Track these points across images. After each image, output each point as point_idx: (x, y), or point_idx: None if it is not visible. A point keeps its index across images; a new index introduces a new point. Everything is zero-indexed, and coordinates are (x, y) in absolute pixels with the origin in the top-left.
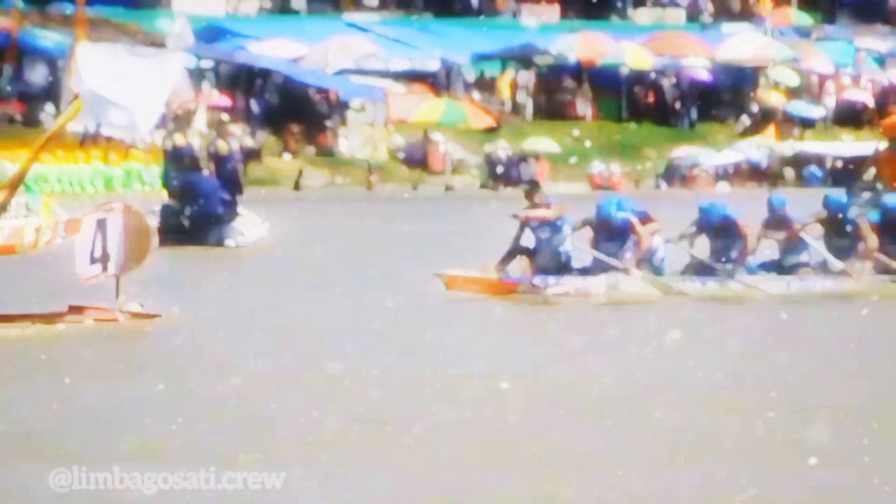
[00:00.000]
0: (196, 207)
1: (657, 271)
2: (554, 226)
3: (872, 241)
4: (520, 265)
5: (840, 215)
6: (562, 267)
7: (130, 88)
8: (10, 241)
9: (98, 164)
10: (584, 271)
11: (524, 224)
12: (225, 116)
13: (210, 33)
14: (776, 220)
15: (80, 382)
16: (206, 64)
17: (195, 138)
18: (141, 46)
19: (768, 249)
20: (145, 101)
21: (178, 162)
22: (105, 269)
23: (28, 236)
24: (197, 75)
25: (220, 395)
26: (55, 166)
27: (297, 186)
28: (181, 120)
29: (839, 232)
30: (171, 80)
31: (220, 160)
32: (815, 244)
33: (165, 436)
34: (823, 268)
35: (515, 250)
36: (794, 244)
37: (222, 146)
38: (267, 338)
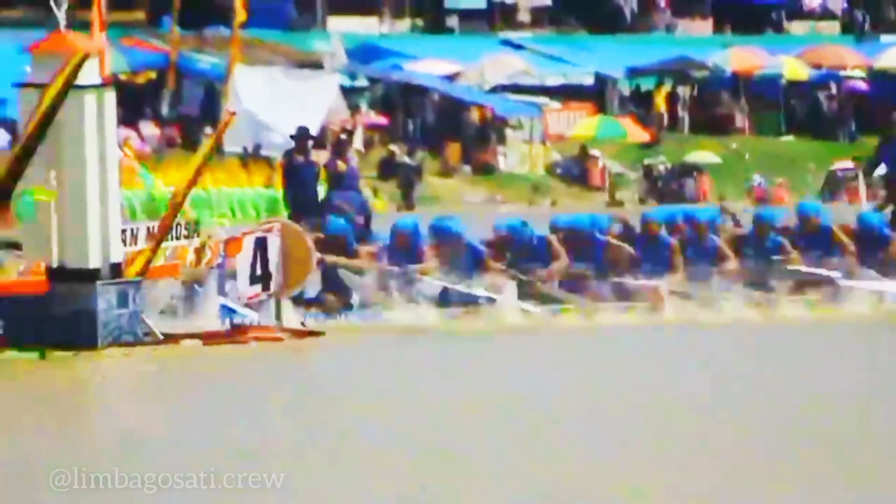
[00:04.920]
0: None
1: None
2: None
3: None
4: None
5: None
6: None
7: (287, 109)
8: (172, 261)
9: (260, 188)
10: None
11: None
12: (343, 136)
13: (365, 53)
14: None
15: (246, 400)
16: (362, 83)
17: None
18: (296, 68)
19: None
20: (302, 122)
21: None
22: (266, 288)
23: (189, 257)
24: (352, 95)
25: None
26: (216, 189)
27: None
28: (302, 139)
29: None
30: (327, 100)
31: (338, 178)
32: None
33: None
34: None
35: None
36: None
37: (340, 165)
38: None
